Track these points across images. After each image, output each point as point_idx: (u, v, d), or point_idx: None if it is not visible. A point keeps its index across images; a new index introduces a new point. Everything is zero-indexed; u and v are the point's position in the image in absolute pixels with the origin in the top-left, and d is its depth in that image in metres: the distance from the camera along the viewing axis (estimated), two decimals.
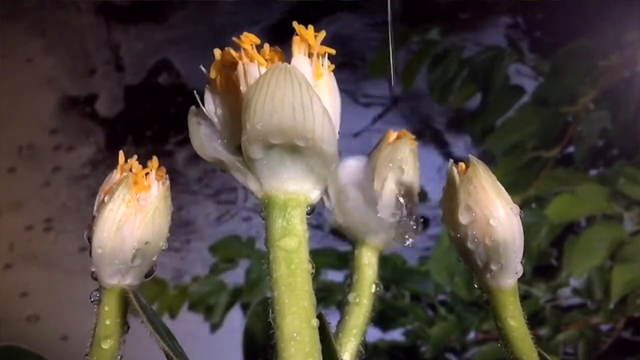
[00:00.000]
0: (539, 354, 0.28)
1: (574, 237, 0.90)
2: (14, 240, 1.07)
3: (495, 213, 0.26)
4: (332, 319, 0.30)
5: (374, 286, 0.33)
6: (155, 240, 0.27)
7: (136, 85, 1.10)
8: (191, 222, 1.05)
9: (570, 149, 0.94)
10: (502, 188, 0.26)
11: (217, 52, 0.24)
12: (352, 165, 0.25)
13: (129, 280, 0.27)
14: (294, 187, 0.24)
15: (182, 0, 1.09)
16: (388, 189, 0.30)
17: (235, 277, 1.02)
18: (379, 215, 0.25)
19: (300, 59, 0.23)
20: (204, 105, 0.25)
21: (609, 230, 0.88)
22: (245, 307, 0.99)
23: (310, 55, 0.23)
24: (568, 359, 0.92)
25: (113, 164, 0.28)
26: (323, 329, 0.24)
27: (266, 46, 0.23)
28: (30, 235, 1.08)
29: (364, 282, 0.33)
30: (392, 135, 0.32)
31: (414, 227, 0.25)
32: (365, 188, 0.25)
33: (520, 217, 0.27)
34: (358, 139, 0.98)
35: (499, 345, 0.28)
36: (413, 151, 0.32)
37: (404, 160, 0.31)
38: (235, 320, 0.99)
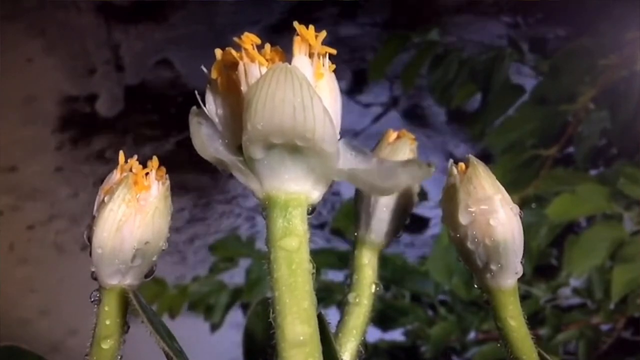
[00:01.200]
0: (539, 354, 0.28)
1: (574, 237, 0.90)
2: (14, 240, 1.07)
3: (495, 213, 0.26)
4: (332, 319, 0.30)
5: (374, 286, 0.33)
6: (155, 240, 0.27)
7: (136, 85, 1.10)
8: None
9: (570, 149, 0.94)
10: (502, 188, 0.26)
11: (218, 52, 0.24)
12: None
13: (129, 280, 0.27)
14: (294, 187, 0.24)
15: (182, 0, 1.09)
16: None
17: (235, 277, 1.02)
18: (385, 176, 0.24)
19: (301, 59, 0.23)
20: (204, 105, 0.25)
21: (609, 230, 0.88)
22: (245, 307, 0.99)
23: (311, 55, 0.23)
24: (568, 359, 0.92)
25: (114, 164, 0.28)
26: (323, 329, 0.24)
27: (267, 46, 0.23)
28: (30, 235, 1.08)
29: (364, 282, 0.32)
30: (392, 135, 0.32)
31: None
32: (366, 158, 0.25)
33: (520, 217, 0.27)
34: (358, 139, 0.98)
35: (499, 345, 0.28)
36: (413, 151, 0.32)
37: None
38: (235, 320, 0.99)
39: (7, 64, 1.06)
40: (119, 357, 0.28)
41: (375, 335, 0.94)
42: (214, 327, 1.00)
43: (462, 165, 0.27)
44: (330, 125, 0.22)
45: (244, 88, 0.23)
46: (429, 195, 0.82)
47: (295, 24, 0.23)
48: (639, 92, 0.89)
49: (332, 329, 0.31)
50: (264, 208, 0.24)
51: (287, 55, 0.23)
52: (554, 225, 0.90)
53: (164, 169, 0.27)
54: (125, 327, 0.28)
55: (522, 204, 0.89)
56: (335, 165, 0.23)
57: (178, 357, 0.27)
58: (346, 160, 0.24)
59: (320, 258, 0.95)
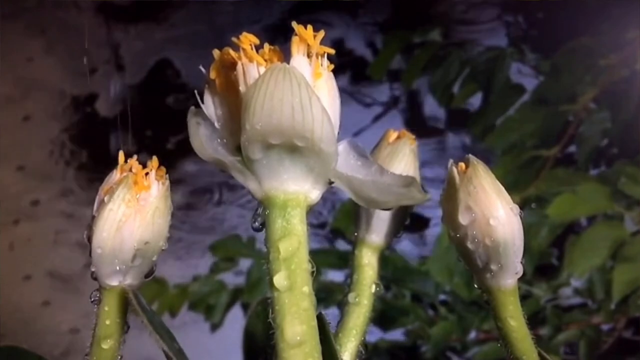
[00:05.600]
0: (539, 354, 0.28)
1: (575, 236, 0.90)
2: (14, 240, 1.08)
3: (495, 213, 0.26)
4: (332, 319, 0.30)
5: (374, 286, 0.33)
6: (155, 240, 0.27)
7: (136, 85, 1.10)
8: None
9: (571, 149, 0.94)
10: (502, 188, 0.26)
11: (216, 53, 0.24)
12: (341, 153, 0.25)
13: (129, 280, 0.27)
14: (293, 187, 0.24)
15: (182, 0, 1.09)
16: None
17: (235, 277, 1.02)
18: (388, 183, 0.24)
19: (299, 59, 0.23)
20: (203, 105, 0.25)
21: (610, 230, 0.88)
22: (245, 307, 0.99)
23: (309, 55, 0.23)
24: (568, 359, 0.92)
25: (114, 164, 0.28)
26: (323, 329, 0.24)
27: (265, 46, 0.23)
28: (33, 233, 1.08)
29: (364, 282, 0.33)
30: (392, 135, 0.32)
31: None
32: (366, 165, 0.25)
33: (521, 217, 0.27)
34: (358, 139, 0.98)
35: (500, 345, 0.28)
36: (413, 151, 0.32)
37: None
38: (235, 320, 0.99)
39: (7, 64, 1.06)
40: (119, 357, 0.28)
41: (375, 335, 0.94)
42: (214, 327, 1.00)
43: (462, 165, 0.27)
44: (329, 125, 0.22)
45: (242, 88, 0.23)
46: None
47: (294, 23, 0.23)
48: (639, 91, 0.89)
49: (332, 329, 0.31)
50: (263, 208, 0.24)
51: (286, 55, 0.23)
52: (555, 225, 0.90)
53: (164, 169, 0.27)
54: (125, 327, 0.28)
55: (523, 204, 0.89)
56: (334, 165, 0.23)
57: (178, 357, 0.27)
58: (347, 164, 0.24)
59: (320, 258, 0.94)
